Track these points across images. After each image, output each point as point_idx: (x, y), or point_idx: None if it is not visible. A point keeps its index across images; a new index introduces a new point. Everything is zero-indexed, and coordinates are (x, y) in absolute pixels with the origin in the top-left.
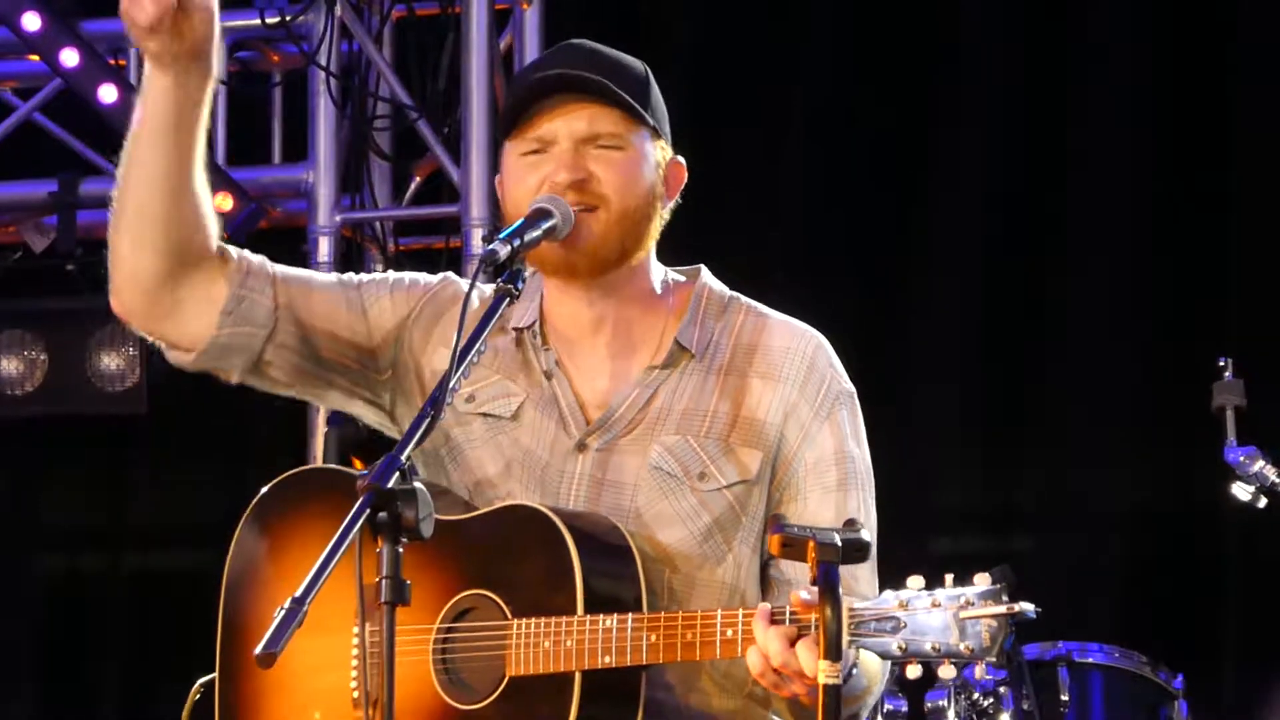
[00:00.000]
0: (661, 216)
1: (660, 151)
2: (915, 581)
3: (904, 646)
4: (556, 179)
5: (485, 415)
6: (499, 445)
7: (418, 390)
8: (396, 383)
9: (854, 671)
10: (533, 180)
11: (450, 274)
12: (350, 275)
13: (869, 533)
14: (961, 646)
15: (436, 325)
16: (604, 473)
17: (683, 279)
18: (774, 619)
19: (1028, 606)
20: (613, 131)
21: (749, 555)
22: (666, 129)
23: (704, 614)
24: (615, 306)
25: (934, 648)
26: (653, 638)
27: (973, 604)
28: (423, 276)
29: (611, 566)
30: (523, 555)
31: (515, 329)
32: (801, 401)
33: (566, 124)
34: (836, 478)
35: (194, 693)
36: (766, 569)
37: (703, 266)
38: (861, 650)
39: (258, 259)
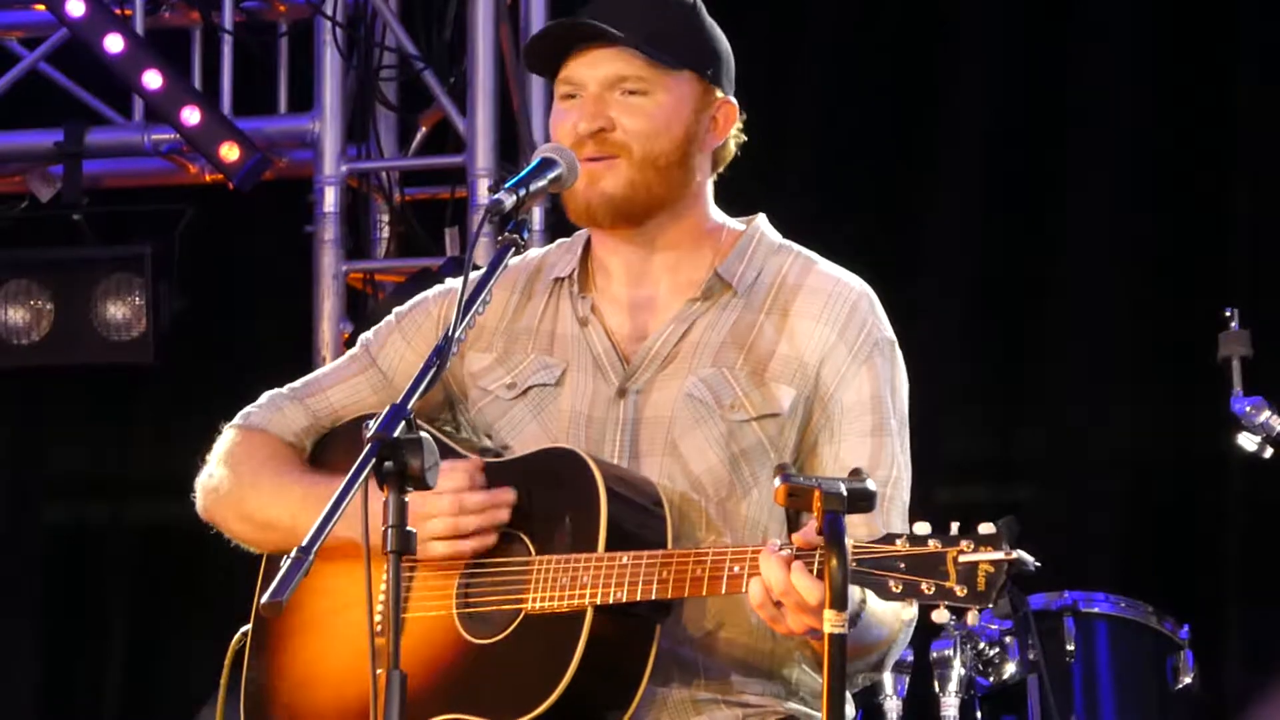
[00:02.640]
0: (708, 159)
1: (702, 92)
2: (921, 527)
3: (899, 586)
4: (579, 128)
5: (528, 390)
6: (543, 423)
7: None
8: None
9: (861, 614)
10: (567, 125)
11: (450, 281)
12: (361, 349)
13: (901, 484)
14: (957, 589)
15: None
16: (643, 412)
17: (739, 226)
18: (780, 552)
19: (1027, 557)
20: (638, 75)
21: None
22: (719, 66)
23: (715, 550)
24: (660, 251)
25: (928, 589)
26: (664, 574)
27: (971, 549)
28: (430, 300)
29: (638, 510)
30: (554, 495)
31: (556, 278)
32: (840, 344)
33: (592, 69)
34: (872, 423)
35: (236, 641)
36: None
37: (761, 214)
38: (873, 599)
39: (297, 424)
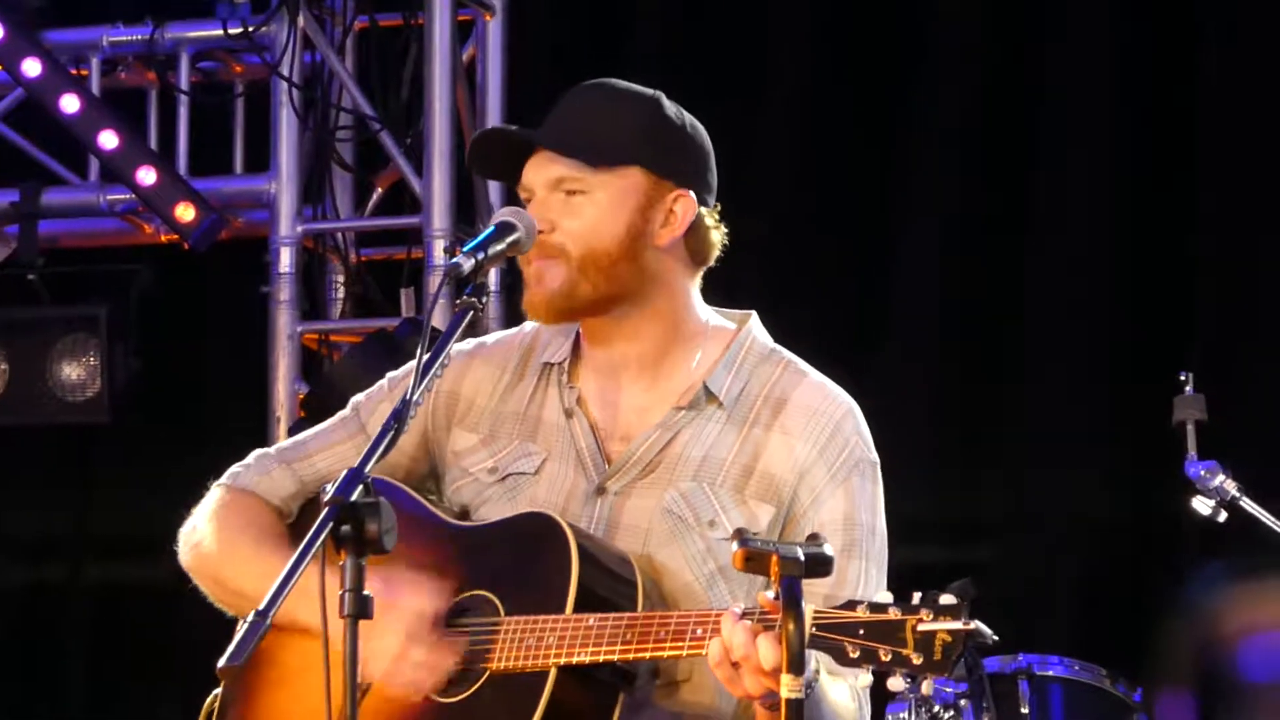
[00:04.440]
0: (669, 254)
1: (652, 186)
2: (883, 595)
3: (856, 651)
4: None
5: (507, 477)
6: (515, 506)
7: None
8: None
9: (814, 685)
10: None
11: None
12: (351, 413)
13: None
14: (913, 658)
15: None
16: (620, 516)
17: (730, 325)
18: (743, 617)
19: (985, 629)
20: (575, 176)
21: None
22: (677, 159)
23: (679, 614)
24: (643, 345)
25: (885, 655)
26: (629, 635)
27: (931, 618)
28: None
29: (610, 577)
30: (526, 557)
31: (546, 363)
32: (819, 463)
33: (536, 173)
34: (842, 543)
35: (207, 705)
36: None
37: (753, 313)
38: (830, 687)
39: (284, 489)
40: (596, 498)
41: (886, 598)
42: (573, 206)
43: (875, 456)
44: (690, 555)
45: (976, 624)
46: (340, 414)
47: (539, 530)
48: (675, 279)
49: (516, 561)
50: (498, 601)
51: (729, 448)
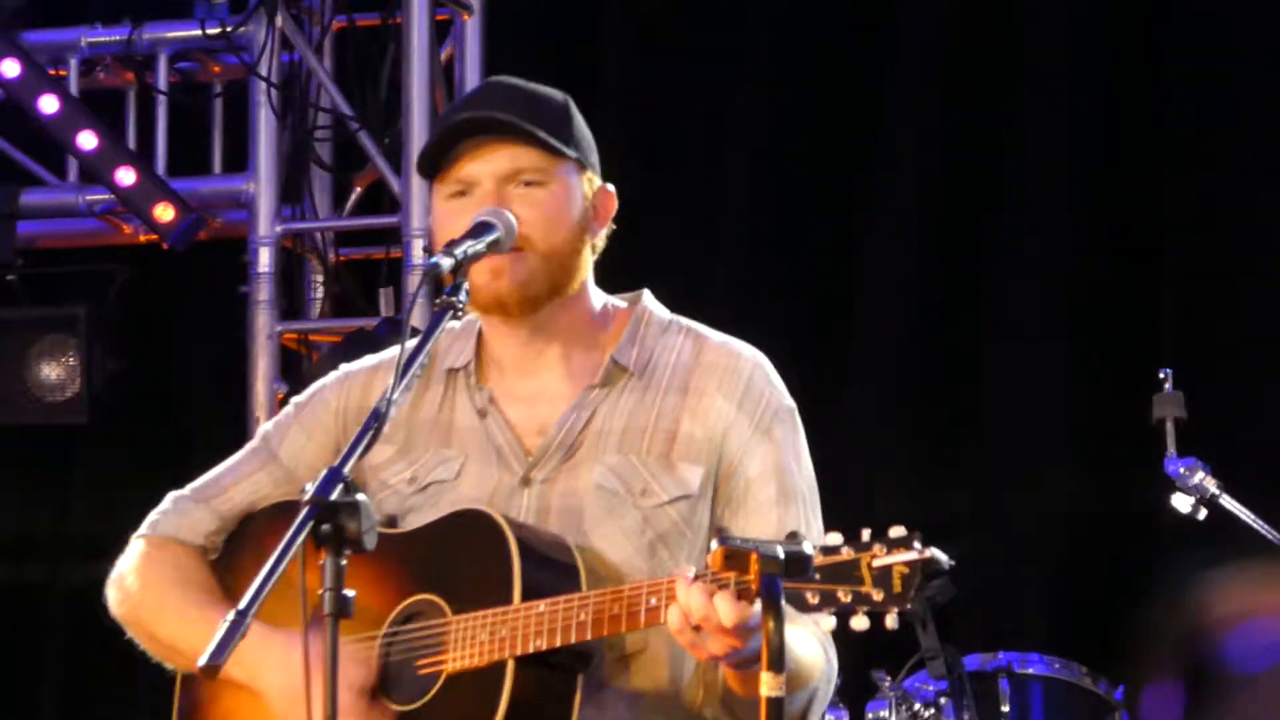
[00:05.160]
0: (593, 246)
1: (587, 183)
2: (833, 537)
3: (816, 597)
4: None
5: (428, 486)
6: (439, 511)
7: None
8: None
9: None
10: (460, 223)
11: (346, 368)
12: (261, 442)
13: (811, 546)
14: (874, 594)
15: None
16: (550, 501)
17: (624, 304)
18: (695, 580)
19: (940, 555)
20: (535, 167)
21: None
22: (594, 159)
23: (630, 587)
24: (553, 338)
25: (845, 596)
26: (582, 615)
27: (885, 552)
28: (328, 389)
29: (551, 561)
30: (465, 555)
31: (450, 369)
32: (740, 417)
33: (487, 164)
34: (776, 491)
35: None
36: None
37: (645, 290)
38: (796, 640)
39: (205, 527)
40: (523, 489)
41: (836, 539)
42: (533, 198)
43: (791, 402)
44: (627, 528)
45: (932, 551)
46: (249, 445)
47: (472, 525)
48: (588, 271)
49: (455, 560)
50: (442, 603)
51: (648, 415)
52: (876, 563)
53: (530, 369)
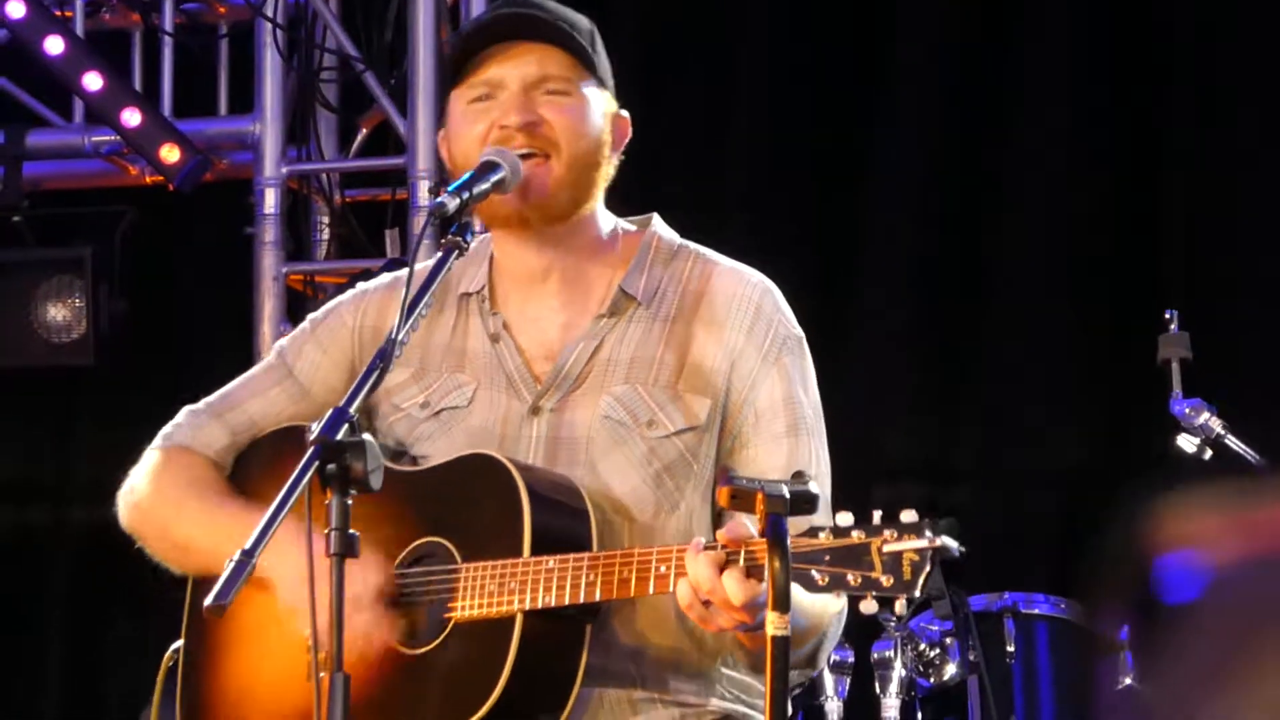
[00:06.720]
0: (609, 167)
1: (608, 103)
2: (844, 518)
3: (825, 579)
4: (506, 121)
5: (440, 412)
6: (452, 438)
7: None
8: (370, 414)
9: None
10: (481, 126)
11: (362, 286)
12: (277, 358)
13: (822, 479)
14: (883, 579)
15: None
16: (558, 431)
17: (633, 228)
18: (705, 549)
19: (951, 543)
20: (563, 75)
21: (700, 504)
22: (611, 84)
23: (640, 551)
24: (564, 257)
25: (854, 580)
26: (591, 576)
27: (895, 538)
28: (345, 306)
29: (562, 512)
30: (476, 501)
31: (464, 294)
32: (748, 347)
33: (516, 67)
34: (785, 423)
35: (167, 659)
36: (720, 519)
37: (654, 215)
38: (797, 591)
39: (217, 442)
40: (532, 418)
41: (848, 520)
42: (559, 104)
43: (799, 331)
44: (633, 458)
45: (943, 539)
46: (264, 361)
47: (484, 472)
48: (601, 192)
49: (467, 506)
50: (453, 548)
51: (655, 345)
52: (887, 548)
53: (540, 288)
